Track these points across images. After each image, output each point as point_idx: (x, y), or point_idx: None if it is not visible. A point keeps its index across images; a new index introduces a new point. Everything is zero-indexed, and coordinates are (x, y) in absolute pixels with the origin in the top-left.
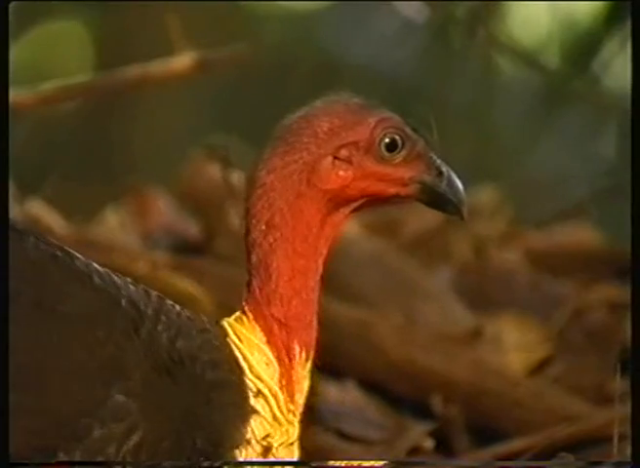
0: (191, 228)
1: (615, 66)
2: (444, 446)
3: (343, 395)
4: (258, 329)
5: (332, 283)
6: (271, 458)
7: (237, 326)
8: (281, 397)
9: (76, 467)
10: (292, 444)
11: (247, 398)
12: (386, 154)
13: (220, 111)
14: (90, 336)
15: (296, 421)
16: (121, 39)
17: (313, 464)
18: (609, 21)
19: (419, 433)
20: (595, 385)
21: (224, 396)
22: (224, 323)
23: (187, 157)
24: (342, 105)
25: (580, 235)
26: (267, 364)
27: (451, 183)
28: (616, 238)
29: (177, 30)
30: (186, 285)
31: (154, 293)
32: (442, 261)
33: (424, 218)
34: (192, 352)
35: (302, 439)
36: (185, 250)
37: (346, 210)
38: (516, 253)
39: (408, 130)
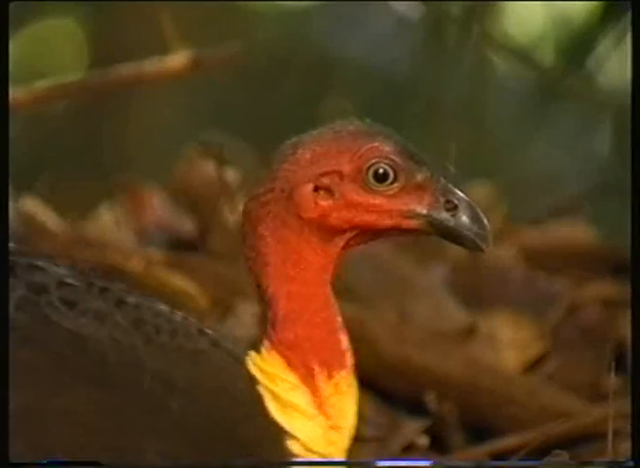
0: (185, 225)
1: (609, 64)
2: (438, 443)
3: None
4: (276, 355)
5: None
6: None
7: (259, 359)
8: (319, 418)
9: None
10: None
11: (279, 438)
12: (376, 184)
13: (214, 109)
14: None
15: (339, 441)
16: (115, 37)
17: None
18: (603, 19)
19: (413, 430)
20: (589, 382)
21: (262, 449)
22: (248, 358)
23: (181, 154)
24: (332, 133)
25: (575, 232)
26: (292, 389)
27: (468, 218)
28: (610, 235)
29: (171, 29)
30: (180, 281)
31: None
32: (436, 259)
33: None
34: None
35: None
36: (180, 246)
37: (340, 241)
38: (510, 251)
39: (402, 160)
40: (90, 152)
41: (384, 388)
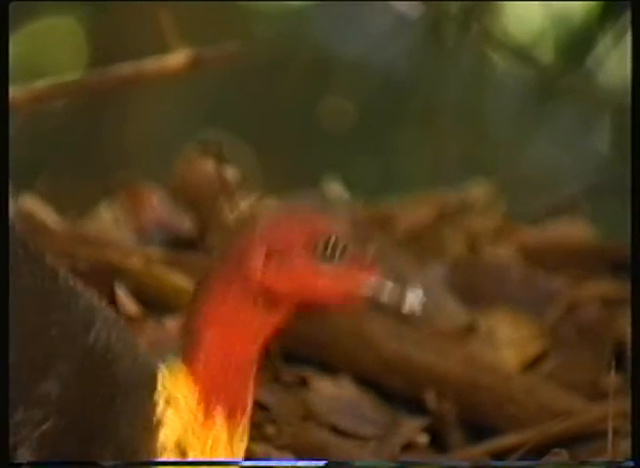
0: (185, 223)
1: (608, 62)
2: (437, 441)
3: (338, 390)
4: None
5: None
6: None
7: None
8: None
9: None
10: None
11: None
12: (325, 258)
13: (213, 107)
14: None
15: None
16: (114, 36)
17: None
18: (603, 17)
19: (412, 428)
20: (589, 380)
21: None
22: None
23: (181, 153)
24: (286, 205)
25: (574, 230)
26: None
27: (405, 294)
28: (609, 233)
29: (170, 28)
30: (180, 280)
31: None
32: (435, 257)
33: (417, 214)
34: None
35: (297, 435)
36: (179, 245)
37: (284, 310)
38: (509, 249)
39: (353, 236)
40: (89, 151)
41: (383, 386)
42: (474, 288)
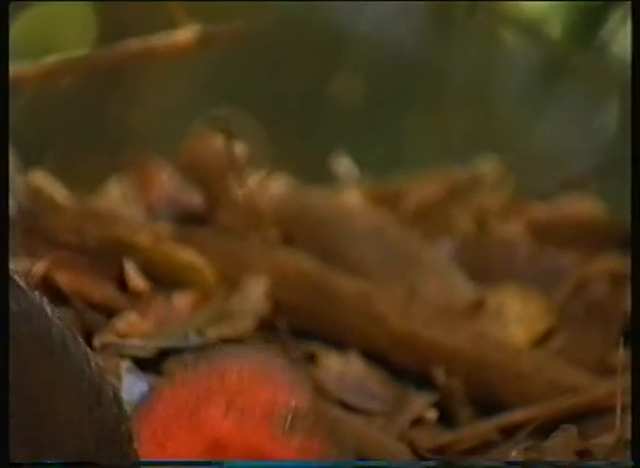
0: (194, 200)
1: (618, 39)
2: (446, 417)
3: (346, 366)
4: None
5: (333, 255)
6: None
7: None
8: None
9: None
10: None
11: None
12: (279, 428)
13: (222, 83)
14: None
15: None
16: (123, 12)
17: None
18: None
19: (421, 404)
20: (597, 357)
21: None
22: None
23: (190, 129)
24: (254, 364)
25: (583, 207)
26: None
27: None
28: (619, 210)
29: (178, 4)
30: (189, 256)
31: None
32: (443, 233)
33: (426, 191)
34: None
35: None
36: (188, 221)
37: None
38: (518, 226)
39: (309, 413)
40: (98, 127)
41: (392, 363)
42: (483, 264)
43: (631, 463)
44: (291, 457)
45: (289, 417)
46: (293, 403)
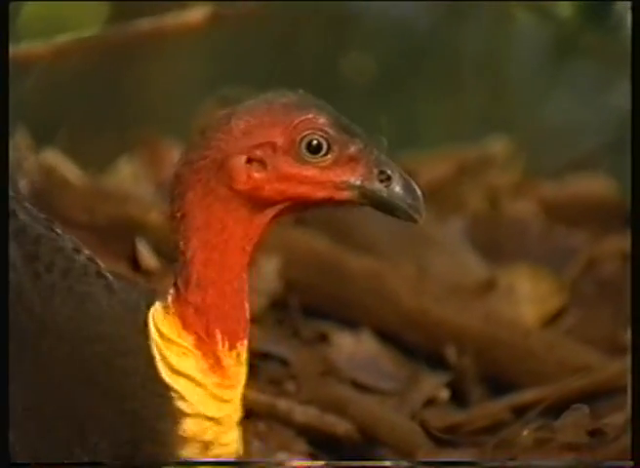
0: None
1: (629, 17)
2: (458, 396)
3: (358, 345)
4: (174, 316)
5: (344, 234)
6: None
7: (158, 315)
8: (208, 381)
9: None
10: (235, 424)
11: (169, 400)
12: (309, 156)
13: (233, 62)
14: None
15: (235, 397)
16: None
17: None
18: None
19: (433, 384)
20: (608, 336)
21: (143, 405)
22: (151, 311)
23: (201, 108)
24: (265, 105)
25: (594, 185)
26: (184, 353)
27: (401, 188)
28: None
29: None
30: None
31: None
32: (455, 212)
33: (437, 169)
34: (103, 356)
35: (317, 390)
36: None
37: (271, 211)
38: (529, 204)
39: (335, 131)
40: (110, 106)
41: (404, 342)
42: (494, 243)
43: (631, 463)
44: (323, 185)
45: (312, 145)
46: (313, 131)
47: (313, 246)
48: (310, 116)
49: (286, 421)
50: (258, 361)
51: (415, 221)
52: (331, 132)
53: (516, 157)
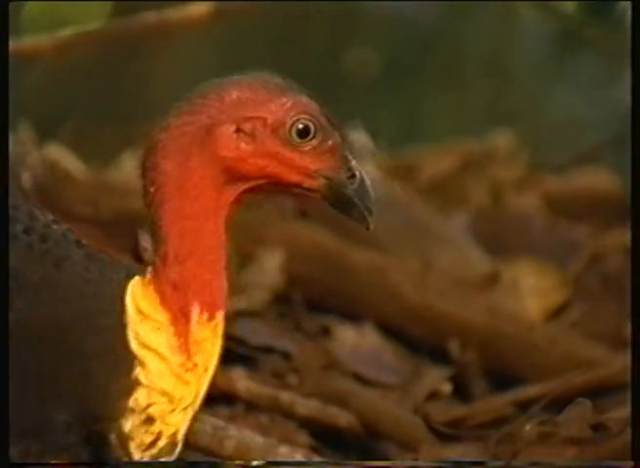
0: None
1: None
2: (461, 390)
3: (361, 339)
4: (153, 291)
5: (347, 228)
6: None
7: (137, 289)
8: (174, 359)
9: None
10: (185, 408)
11: (130, 368)
12: (295, 139)
13: (236, 56)
14: None
15: (194, 381)
16: None
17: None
18: None
19: (436, 378)
20: (611, 330)
21: (102, 367)
22: (131, 283)
23: None
24: (261, 81)
25: (598, 180)
26: (158, 328)
27: (362, 189)
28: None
29: None
30: None
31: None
32: (459, 206)
33: (441, 163)
34: (76, 314)
35: (320, 384)
36: None
37: (243, 186)
38: (533, 198)
39: (324, 121)
40: (113, 99)
41: (407, 336)
42: (498, 237)
43: (631, 463)
44: (300, 170)
45: (299, 130)
46: (302, 116)
47: (316, 240)
48: (305, 100)
49: (288, 414)
50: (260, 354)
51: (366, 224)
52: (320, 119)
53: (520, 151)
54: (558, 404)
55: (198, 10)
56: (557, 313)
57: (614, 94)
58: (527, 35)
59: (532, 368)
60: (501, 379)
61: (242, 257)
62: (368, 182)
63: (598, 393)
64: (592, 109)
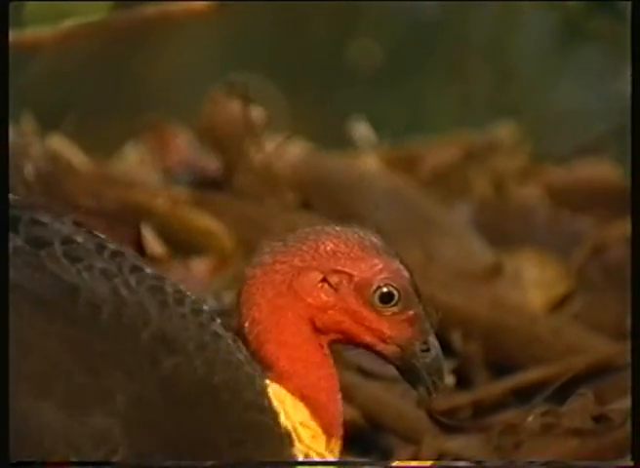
0: (211, 164)
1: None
2: (464, 382)
3: None
4: (301, 404)
5: (350, 219)
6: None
7: (277, 393)
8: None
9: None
10: None
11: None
12: (377, 302)
13: (240, 48)
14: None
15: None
16: None
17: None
18: None
19: None
20: (614, 321)
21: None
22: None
23: (207, 93)
24: (358, 238)
25: (600, 171)
26: (313, 436)
27: (434, 365)
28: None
29: None
30: (206, 221)
31: (213, 326)
32: (461, 197)
33: (444, 154)
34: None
35: None
36: (205, 185)
37: (325, 338)
38: (536, 189)
39: (411, 290)
40: (116, 91)
41: None
42: (500, 228)
43: (631, 463)
44: (383, 326)
45: (383, 297)
46: (390, 283)
47: None
48: (397, 266)
49: None
50: None
51: (428, 400)
52: (407, 288)
53: (523, 143)
54: (560, 395)
55: (201, 1)
56: (560, 304)
57: (616, 85)
58: (529, 27)
59: (535, 359)
60: (505, 371)
61: (245, 249)
62: (442, 360)
63: (600, 383)
64: (595, 101)
